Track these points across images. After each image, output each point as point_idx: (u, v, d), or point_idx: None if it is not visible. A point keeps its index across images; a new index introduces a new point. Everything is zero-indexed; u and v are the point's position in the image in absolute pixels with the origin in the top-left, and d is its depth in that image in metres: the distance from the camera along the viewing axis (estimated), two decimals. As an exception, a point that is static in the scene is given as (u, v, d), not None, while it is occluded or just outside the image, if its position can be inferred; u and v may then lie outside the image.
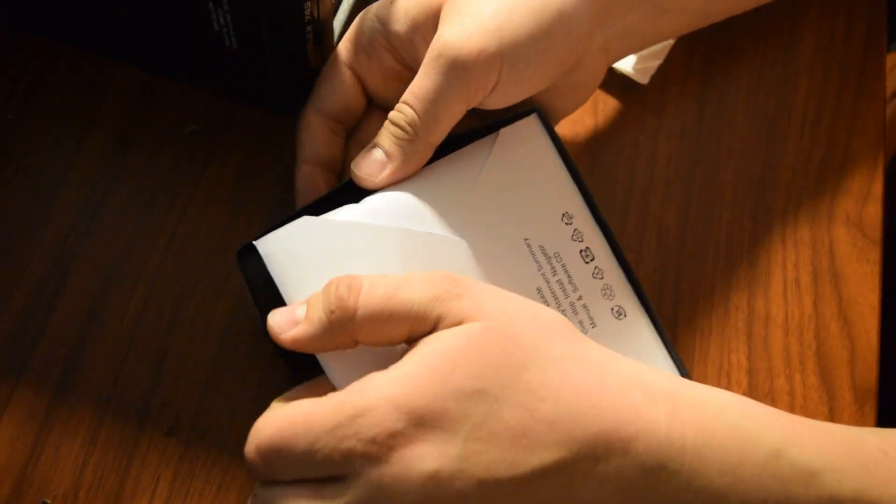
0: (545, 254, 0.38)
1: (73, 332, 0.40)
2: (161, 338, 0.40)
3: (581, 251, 0.38)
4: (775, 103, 0.47)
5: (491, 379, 0.30)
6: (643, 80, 0.46)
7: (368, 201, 0.36)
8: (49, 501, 0.38)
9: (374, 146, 0.36)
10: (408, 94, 0.36)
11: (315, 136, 0.39)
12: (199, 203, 0.42)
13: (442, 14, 0.36)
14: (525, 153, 0.38)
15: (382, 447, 0.29)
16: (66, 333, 0.40)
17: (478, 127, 0.38)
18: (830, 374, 0.42)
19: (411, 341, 0.32)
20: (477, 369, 0.30)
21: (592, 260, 0.38)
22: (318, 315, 0.32)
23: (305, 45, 0.38)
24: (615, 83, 0.46)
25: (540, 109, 0.39)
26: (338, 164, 0.40)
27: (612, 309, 0.38)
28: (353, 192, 0.37)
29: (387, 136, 0.36)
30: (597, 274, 0.38)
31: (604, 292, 0.38)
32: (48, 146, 0.43)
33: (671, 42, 0.46)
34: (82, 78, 0.44)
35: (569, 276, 0.38)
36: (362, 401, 0.30)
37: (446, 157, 0.38)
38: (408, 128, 0.35)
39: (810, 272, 0.43)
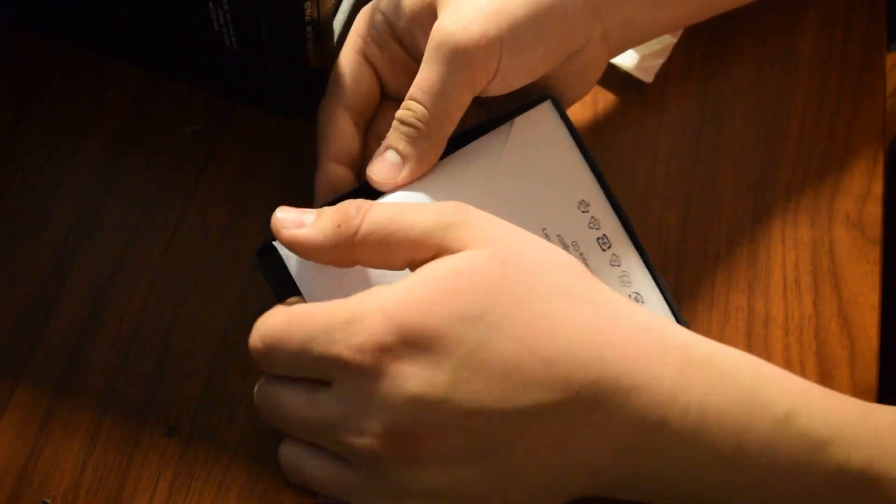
0: (563, 243, 0.38)
1: (73, 332, 0.40)
2: (161, 338, 0.40)
3: (598, 238, 0.38)
4: (775, 103, 0.47)
5: (490, 305, 0.29)
6: (647, 78, 0.46)
7: (387, 198, 0.36)
8: (49, 501, 0.38)
9: (387, 148, 0.36)
10: (414, 90, 0.35)
11: (340, 130, 0.39)
12: (199, 203, 0.42)
13: (438, 4, 0.36)
14: (540, 141, 0.38)
15: (368, 358, 0.29)
16: (66, 333, 0.40)
17: (491, 118, 0.38)
18: (830, 374, 0.42)
19: (413, 267, 0.31)
20: (477, 294, 0.29)
21: (609, 247, 0.38)
22: (325, 224, 0.32)
23: (305, 45, 0.38)
24: (615, 82, 0.46)
25: (553, 96, 0.39)
26: (359, 160, 0.40)
27: (630, 296, 0.38)
28: (370, 192, 0.36)
29: (398, 137, 0.36)
30: (614, 261, 0.38)
31: (621, 279, 0.38)
32: (48, 146, 0.43)
33: (674, 41, 0.46)
34: (82, 78, 0.44)
35: (586, 265, 0.38)
36: (358, 308, 0.30)
37: (463, 150, 0.37)
38: (419, 124, 0.35)
39: (810, 272, 0.43)
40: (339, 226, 0.32)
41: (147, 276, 0.41)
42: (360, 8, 0.40)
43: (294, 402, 0.32)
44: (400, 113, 0.36)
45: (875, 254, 0.44)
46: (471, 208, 0.32)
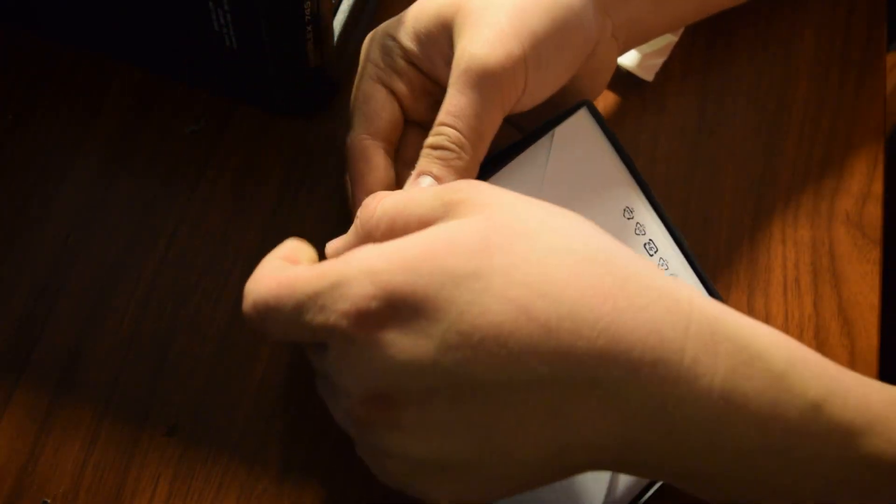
0: None
1: (73, 332, 0.40)
2: (161, 338, 0.40)
3: (644, 244, 0.38)
4: (775, 103, 0.47)
5: (484, 264, 0.27)
6: (648, 77, 0.46)
7: None
8: (49, 501, 0.38)
9: (420, 174, 0.35)
10: (444, 116, 0.35)
11: (375, 163, 0.37)
12: (198, 203, 0.42)
13: (455, 27, 0.36)
14: (582, 149, 0.37)
15: (352, 324, 0.28)
16: (66, 333, 0.40)
17: (530, 132, 0.38)
18: (830, 373, 0.42)
19: None
20: (469, 254, 0.27)
21: (656, 252, 0.38)
22: (352, 226, 0.33)
23: (305, 45, 0.38)
24: (616, 82, 0.46)
25: (589, 101, 0.38)
26: (394, 188, 0.38)
27: None
28: None
29: (432, 161, 0.34)
30: (661, 265, 0.38)
31: None
32: (48, 146, 0.43)
33: (674, 39, 0.46)
34: (82, 78, 0.44)
35: None
36: (345, 270, 0.28)
37: (507, 167, 0.37)
38: (454, 147, 0.34)
39: (810, 272, 0.43)
40: (358, 216, 0.32)
41: (147, 275, 0.41)
42: (360, 8, 0.40)
43: (307, 353, 0.33)
44: (432, 140, 0.35)
45: (875, 254, 0.44)
46: (477, 183, 0.31)
